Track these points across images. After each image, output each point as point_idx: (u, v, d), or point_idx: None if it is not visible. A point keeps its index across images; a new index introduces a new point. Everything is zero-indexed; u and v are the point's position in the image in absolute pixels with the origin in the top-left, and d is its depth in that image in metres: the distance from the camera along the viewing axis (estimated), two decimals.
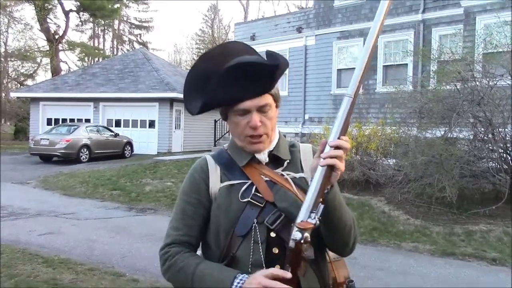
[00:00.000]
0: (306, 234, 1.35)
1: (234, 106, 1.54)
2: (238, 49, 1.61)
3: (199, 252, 1.66)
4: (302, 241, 1.35)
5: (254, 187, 1.56)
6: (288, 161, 1.64)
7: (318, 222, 1.37)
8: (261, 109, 1.55)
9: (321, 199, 1.38)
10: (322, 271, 1.59)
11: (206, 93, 1.54)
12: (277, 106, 1.63)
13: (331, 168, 1.38)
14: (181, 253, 1.56)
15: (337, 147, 1.38)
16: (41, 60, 41.60)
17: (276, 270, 1.39)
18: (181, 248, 1.58)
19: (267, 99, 1.56)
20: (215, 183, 1.61)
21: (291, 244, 1.37)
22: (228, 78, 1.50)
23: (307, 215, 1.36)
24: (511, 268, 6.40)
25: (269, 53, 1.56)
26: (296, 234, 1.35)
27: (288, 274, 1.37)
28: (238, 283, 1.41)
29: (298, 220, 1.37)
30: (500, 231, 7.66)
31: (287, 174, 1.60)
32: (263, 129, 1.56)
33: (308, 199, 1.37)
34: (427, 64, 12.21)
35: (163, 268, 1.59)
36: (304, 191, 1.57)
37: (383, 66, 14.33)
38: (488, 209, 8.40)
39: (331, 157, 1.36)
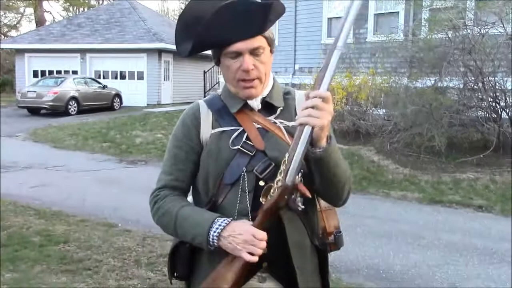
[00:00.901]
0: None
1: (225, 49, 1.50)
2: None
3: (190, 198, 1.66)
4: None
5: (246, 134, 1.54)
6: (281, 108, 1.61)
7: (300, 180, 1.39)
8: (254, 52, 1.50)
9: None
10: (311, 221, 1.59)
11: (196, 35, 1.49)
12: (271, 51, 1.58)
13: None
14: (169, 196, 1.57)
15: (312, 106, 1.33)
16: (24, 10, 40.57)
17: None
18: (170, 191, 1.58)
19: (260, 41, 1.51)
20: (207, 129, 1.59)
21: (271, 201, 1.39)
22: (219, 19, 1.44)
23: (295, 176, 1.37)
24: (496, 214, 6.55)
25: None
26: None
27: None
28: (218, 228, 1.42)
29: (288, 181, 1.36)
30: (487, 179, 7.79)
31: (280, 122, 1.58)
32: (255, 72, 1.52)
33: (296, 161, 1.36)
34: (419, 12, 12.01)
35: (152, 211, 1.60)
36: None
37: (374, 14, 14.08)
38: (476, 158, 8.51)
39: (303, 116, 1.33)
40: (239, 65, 1.50)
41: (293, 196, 1.39)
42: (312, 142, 1.37)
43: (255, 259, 1.38)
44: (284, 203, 1.39)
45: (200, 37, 1.48)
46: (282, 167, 1.37)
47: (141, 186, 7.82)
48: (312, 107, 1.32)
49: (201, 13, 1.49)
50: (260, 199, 1.43)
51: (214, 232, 1.42)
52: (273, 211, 1.41)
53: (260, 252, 1.38)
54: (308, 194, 1.41)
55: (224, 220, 1.43)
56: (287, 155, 1.36)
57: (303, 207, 1.44)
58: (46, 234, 5.31)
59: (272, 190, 1.40)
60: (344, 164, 1.53)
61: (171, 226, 1.53)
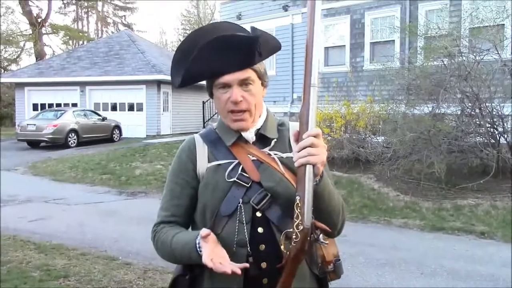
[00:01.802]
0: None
1: (215, 81, 1.54)
2: (226, 27, 1.59)
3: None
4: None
5: (241, 166, 1.56)
6: (275, 139, 1.64)
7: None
8: (243, 83, 1.53)
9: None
10: (310, 249, 1.59)
11: (186, 67, 1.52)
12: (263, 85, 1.62)
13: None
14: (167, 226, 1.61)
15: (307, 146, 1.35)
16: (24, 44, 41.02)
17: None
18: (169, 223, 1.62)
19: (249, 73, 1.54)
20: (203, 163, 1.61)
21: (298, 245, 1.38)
22: (208, 52, 1.48)
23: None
24: (499, 241, 6.51)
25: (252, 28, 1.53)
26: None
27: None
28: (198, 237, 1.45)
29: (307, 223, 1.36)
30: (488, 205, 7.76)
31: (274, 154, 1.60)
32: (244, 104, 1.54)
33: (308, 201, 1.36)
34: (414, 40, 12.19)
35: (154, 245, 1.64)
36: (291, 170, 1.57)
37: (370, 43, 14.28)
38: (476, 184, 8.50)
39: (303, 157, 1.34)
40: (228, 96, 1.53)
41: (313, 235, 1.40)
42: None
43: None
44: (309, 245, 1.40)
45: (190, 69, 1.52)
46: (297, 211, 1.37)
47: (141, 217, 7.81)
48: (309, 146, 1.34)
49: (192, 46, 1.53)
50: (282, 248, 1.42)
51: (198, 242, 1.45)
52: (301, 256, 1.41)
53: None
54: (328, 229, 1.43)
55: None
56: (297, 197, 1.36)
57: (327, 242, 1.48)
58: (46, 268, 5.27)
59: (294, 236, 1.38)
60: (337, 194, 1.55)
61: (170, 254, 1.57)
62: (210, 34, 1.53)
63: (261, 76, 1.59)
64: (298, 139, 1.37)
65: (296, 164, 1.36)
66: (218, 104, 1.58)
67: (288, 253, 1.40)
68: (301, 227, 1.36)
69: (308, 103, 1.37)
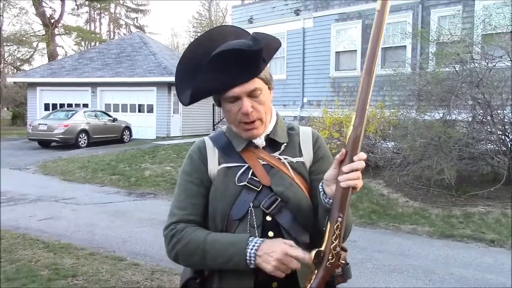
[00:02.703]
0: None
1: (224, 94, 1.53)
2: (224, 33, 1.59)
3: None
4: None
5: (251, 171, 1.57)
6: (285, 144, 1.64)
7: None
8: (252, 94, 1.53)
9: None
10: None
11: (194, 84, 1.52)
12: (270, 89, 1.62)
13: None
14: (188, 226, 1.55)
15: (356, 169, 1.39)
16: (37, 45, 41.44)
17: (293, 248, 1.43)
18: (187, 223, 1.57)
19: (256, 83, 1.53)
20: (213, 165, 1.62)
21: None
22: (214, 67, 1.47)
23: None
24: (509, 249, 6.45)
25: (253, 36, 1.50)
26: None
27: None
28: (254, 245, 1.43)
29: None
30: (498, 213, 7.70)
31: (284, 158, 1.60)
32: (255, 114, 1.55)
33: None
34: (426, 46, 12.14)
35: (169, 245, 1.55)
36: (302, 175, 1.58)
37: (382, 48, 14.25)
38: (487, 191, 8.44)
39: (352, 179, 1.38)
40: (238, 109, 1.53)
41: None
42: (326, 191, 1.44)
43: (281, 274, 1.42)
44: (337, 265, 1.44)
45: (197, 86, 1.51)
46: (337, 232, 1.40)
47: (150, 218, 7.85)
48: (357, 170, 1.38)
49: (196, 63, 1.54)
50: (309, 264, 1.43)
51: (251, 249, 1.42)
52: (328, 277, 1.44)
53: (291, 269, 1.42)
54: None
55: (258, 239, 1.45)
56: (339, 219, 1.40)
57: (308, 241, 1.55)
58: (55, 267, 5.29)
59: (330, 257, 1.41)
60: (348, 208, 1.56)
61: (199, 252, 1.50)
62: (210, 44, 1.54)
63: (268, 82, 1.59)
64: (343, 159, 1.40)
65: (343, 185, 1.38)
66: (229, 116, 1.59)
67: (317, 271, 1.42)
68: (338, 249, 1.41)
69: (362, 126, 1.41)
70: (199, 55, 1.54)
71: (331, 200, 1.41)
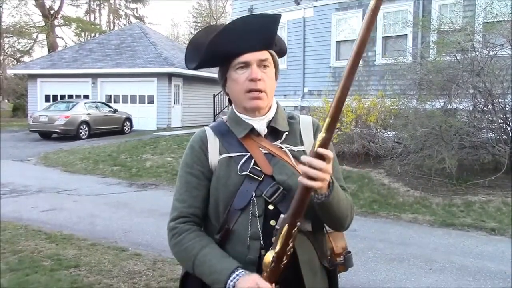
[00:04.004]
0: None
1: (234, 60, 1.56)
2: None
3: None
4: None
5: (253, 160, 1.57)
6: (286, 133, 1.64)
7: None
8: (261, 64, 1.57)
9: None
10: (319, 242, 1.62)
11: (208, 42, 1.54)
12: (276, 76, 1.65)
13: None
14: (187, 232, 1.57)
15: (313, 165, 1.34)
16: (37, 36, 41.36)
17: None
18: (188, 225, 1.58)
19: (267, 55, 1.58)
20: (214, 155, 1.62)
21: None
22: (229, 33, 1.52)
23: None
24: (509, 237, 6.47)
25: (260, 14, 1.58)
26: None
27: None
28: (234, 277, 1.43)
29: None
30: (499, 202, 7.71)
31: (286, 147, 1.61)
32: (262, 84, 1.56)
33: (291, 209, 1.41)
34: (427, 35, 12.09)
35: (170, 242, 1.60)
36: None
37: (382, 37, 14.20)
38: (487, 180, 8.44)
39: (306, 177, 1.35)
40: (247, 76, 1.55)
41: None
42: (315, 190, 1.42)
43: None
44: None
45: (211, 45, 1.53)
46: (294, 235, 1.42)
47: (151, 209, 7.87)
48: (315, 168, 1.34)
49: (213, 30, 1.58)
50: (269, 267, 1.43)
51: (231, 281, 1.43)
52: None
53: None
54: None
55: (241, 271, 1.44)
56: (298, 223, 1.41)
57: (310, 229, 1.55)
58: (57, 258, 5.32)
59: (285, 259, 1.43)
60: (346, 200, 1.56)
61: (189, 264, 1.54)
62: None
63: (276, 65, 1.64)
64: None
65: (300, 180, 1.37)
66: (235, 85, 1.59)
67: (268, 273, 1.43)
68: (292, 250, 1.44)
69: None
70: (215, 27, 1.60)
71: (320, 196, 1.44)
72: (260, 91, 1.56)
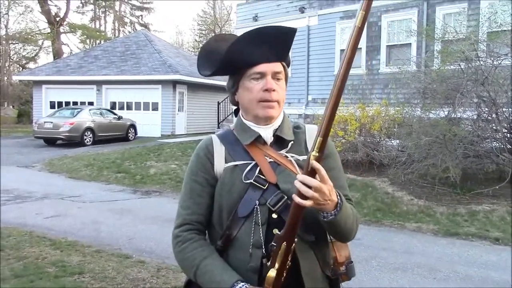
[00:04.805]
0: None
1: (249, 70, 1.58)
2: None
3: None
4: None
5: (258, 168, 1.58)
6: (292, 142, 1.66)
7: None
8: (275, 76, 1.60)
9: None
10: (322, 251, 1.63)
11: (226, 51, 1.57)
12: (285, 87, 1.68)
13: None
14: (191, 241, 1.59)
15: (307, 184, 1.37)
16: (42, 43, 41.59)
17: None
18: (192, 234, 1.60)
19: (281, 67, 1.62)
20: (220, 162, 1.64)
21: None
22: (248, 42, 1.55)
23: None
24: None
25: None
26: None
27: None
28: None
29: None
30: (504, 211, 7.69)
31: (291, 156, 1.62)
32: (276, 95, 1.60)
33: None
34: (431, 44, 12.12)
35: (174, 250, 1.63)
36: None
37: (386, 46, 14.22)
38: (492, 189, 8.42)
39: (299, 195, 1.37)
40: (261, 86, 1.58)
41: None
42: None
43: None
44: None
45: (228, 53, 1.56)
46: (292, 250, 1.46)
47: (155, 216, 7.88)
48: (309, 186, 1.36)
49: (229, 38, 1.63)
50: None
51: None
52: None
53: None
54: None
55: (243, 284, 1.46)
56: (296, 239, 1.45)
57: (313, 239, 1.57)
58: (61, 265, 5.34)
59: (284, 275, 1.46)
60: (352, 216, 1.57)
61: (191, 274, 1.57)
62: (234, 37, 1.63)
63: (287, 77, 1.67)
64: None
65: (294, 198, 1.39)
66: (249, 95, 1.61)
67: None
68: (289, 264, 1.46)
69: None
70: (224, 44, 1.62)
71: (328, 216, 1.45)
72: (274, 101, 1.60)
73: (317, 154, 1.34)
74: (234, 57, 1.57)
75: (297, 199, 1.36)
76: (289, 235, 1.42)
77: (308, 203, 1.36)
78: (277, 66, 1.60)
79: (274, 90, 1.58)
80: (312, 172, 1.35)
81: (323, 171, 1.35)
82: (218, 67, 1.61)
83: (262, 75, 1.58)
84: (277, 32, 1.57)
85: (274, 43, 1.56)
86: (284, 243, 1.42)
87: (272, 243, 1.45)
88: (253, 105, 1.62)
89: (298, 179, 1.36)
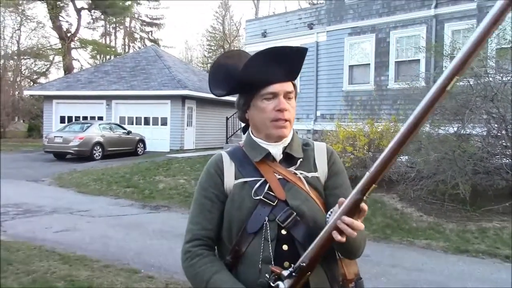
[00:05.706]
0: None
1: (261, 91, 1.60)
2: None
3: None
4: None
5: (267, 184, 1.60)
6: (301, 159, 1.68)
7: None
8: (287, 96, 1.62)
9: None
10: (331, 267, 1.63)
11: (239, 74, 1.59)
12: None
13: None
14: (200, 256, 1.60)
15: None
16: (53, 58, 42.02)
17: None
18: (202, 250, 1.62)
19: (292, 87, 1.64)
20: (230, 179, 1.66)
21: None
22: (261, 62, 1.56)
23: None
24: None
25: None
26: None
27: None
28: None
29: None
30: None
31: (300, 173, 1.64)
32: (288, 114, 1.62)
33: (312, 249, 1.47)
34: (440, 60, 12.12)
35: (183, 264, 1.64)
36: (317, 190, 1.62)
37: (395, 62, 14.25)
38: (502, 206, 8.36)
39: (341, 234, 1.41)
40: (274, 106, 1.60)
41: None
42: None
43: None
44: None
45: (244, 74, 1.58)
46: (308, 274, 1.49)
47: (164, 231, 7.88)
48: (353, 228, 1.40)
49: (241, 57, 1.66)
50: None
51: None
52: None
53: None
54: None
55: None
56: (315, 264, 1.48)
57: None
58: (70, 279, 5.35)
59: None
60: (360, 234, 1.56)
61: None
62: (245, 56, 1.67)
63: (296, 95, 1.69)
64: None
65: (333, 234, 1.41)
66: (261, 114, 1.63)
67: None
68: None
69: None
70: (235, 62, 1.66)
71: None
72: (286, 120, 1.62)
73: (365, 198, 1.39)
74: (249, 78, 1.59)
75: (338, 237, 1.39)
76: (312, 265, 1.46)
77: (344, 239, 1.40)
78: (289, 86, 1.62)
79: (286, 110, 1.61)
80: (353, 211, 1.40)
81: (365, 213, 1.42)
82: (232, 87, 1.64)
83: (275, 95, 1.60)
84: (289, 52, 1.59)
85: (286, 63, 1.59)
86: (308, 273, 1.46)
87: (294, 273, 1.46)
88: (266, 125, 1.64)
89: (345, 222, 1.38)
